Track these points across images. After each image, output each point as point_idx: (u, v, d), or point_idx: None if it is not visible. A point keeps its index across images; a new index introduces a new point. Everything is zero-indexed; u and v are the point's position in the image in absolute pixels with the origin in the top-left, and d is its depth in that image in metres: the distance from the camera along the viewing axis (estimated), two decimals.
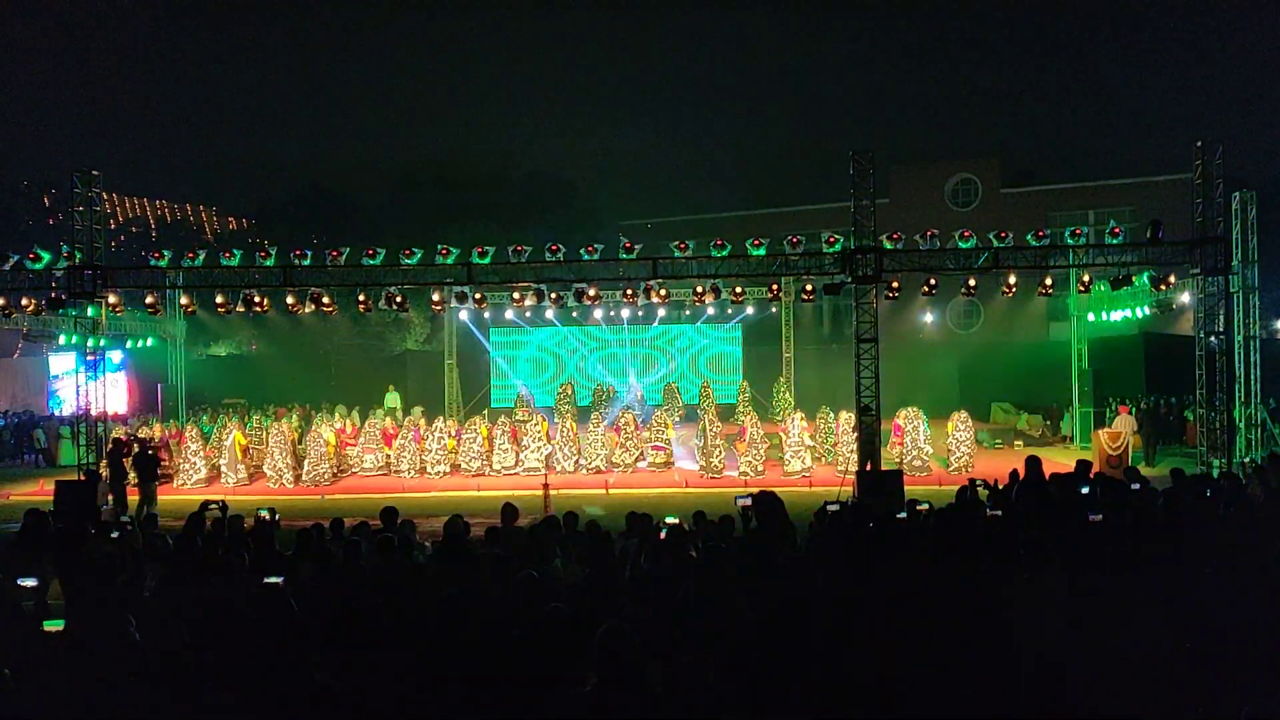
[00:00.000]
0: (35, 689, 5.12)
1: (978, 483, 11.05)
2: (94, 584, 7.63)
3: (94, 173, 19.38)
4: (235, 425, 23.09)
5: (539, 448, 22.17)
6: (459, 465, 22.52)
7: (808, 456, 21.40)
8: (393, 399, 30.47)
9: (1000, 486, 10.94)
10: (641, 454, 22.61)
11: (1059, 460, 21.85)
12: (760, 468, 21.30)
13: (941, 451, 22.28)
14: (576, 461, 22.37)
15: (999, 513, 9.24)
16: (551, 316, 30.89)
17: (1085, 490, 10.17)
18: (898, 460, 21.40)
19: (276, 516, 10.16)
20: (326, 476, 21.38)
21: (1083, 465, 11.49)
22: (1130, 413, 23.04)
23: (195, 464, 21.60)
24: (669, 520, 9.19)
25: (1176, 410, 26.66)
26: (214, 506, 10.10)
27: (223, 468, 21.68)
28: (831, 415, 23.36)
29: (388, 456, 22.81)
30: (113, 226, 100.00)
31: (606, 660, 4.32)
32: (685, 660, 5.21)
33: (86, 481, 17.77)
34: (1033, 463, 10.88)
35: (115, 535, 9.91)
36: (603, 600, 6.49)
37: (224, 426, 23.21)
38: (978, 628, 5.82)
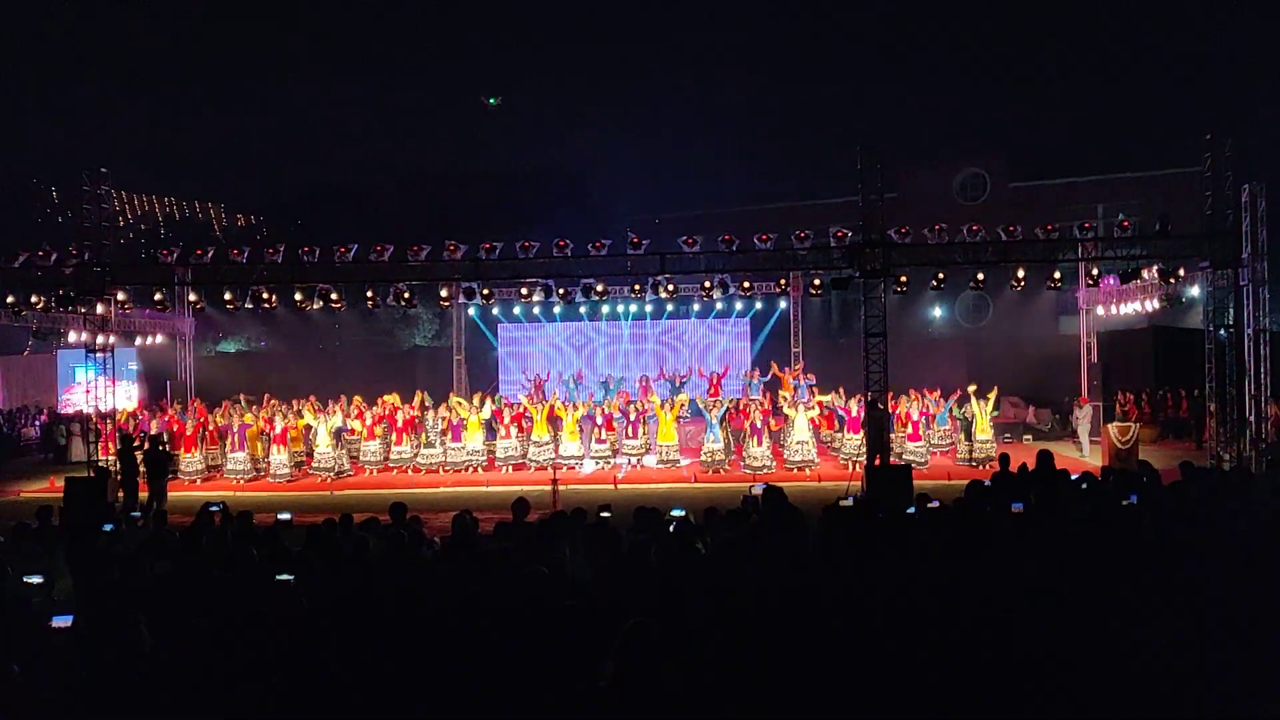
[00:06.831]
0: (42, 685, 5.13)
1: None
2: (105, 580, 7.65)
3: (103, 170, 19.42)
4: (260, 416, 22.82)
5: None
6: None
7: (814, 450, 21.33)
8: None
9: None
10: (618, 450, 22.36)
11: (1069, 455, 21.85)
12: (768, 461, 21.23)
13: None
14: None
15: (1020, 506, 9.20)
16: (558, 313, 30.78)
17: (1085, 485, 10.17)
18: (924, 447, 21.41)
19: (289, 518, 10.18)
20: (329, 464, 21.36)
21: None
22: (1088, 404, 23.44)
23: (196, 456, 21.60)
24: (675, 513, 9.14)
25: (1184, 403, 26.59)
26: (215, 510, 10.11)
27: (228, 460, 21.62)
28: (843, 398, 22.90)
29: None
30: (121, 224, 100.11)
31: (629, 657, 4.26)
32: (696, 656, 5.18)
33: (96, 478, 17.81)
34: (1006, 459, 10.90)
35: (113, 529, 9.96)
36: (612, 595, 6.47)
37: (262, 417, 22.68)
38: (984, 621, 5.80)
